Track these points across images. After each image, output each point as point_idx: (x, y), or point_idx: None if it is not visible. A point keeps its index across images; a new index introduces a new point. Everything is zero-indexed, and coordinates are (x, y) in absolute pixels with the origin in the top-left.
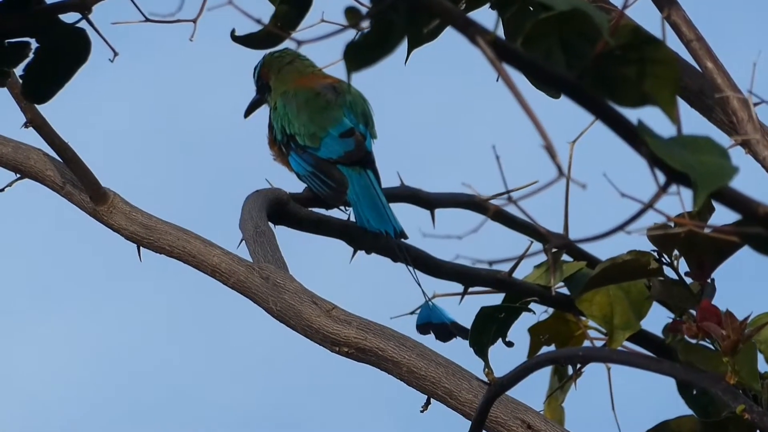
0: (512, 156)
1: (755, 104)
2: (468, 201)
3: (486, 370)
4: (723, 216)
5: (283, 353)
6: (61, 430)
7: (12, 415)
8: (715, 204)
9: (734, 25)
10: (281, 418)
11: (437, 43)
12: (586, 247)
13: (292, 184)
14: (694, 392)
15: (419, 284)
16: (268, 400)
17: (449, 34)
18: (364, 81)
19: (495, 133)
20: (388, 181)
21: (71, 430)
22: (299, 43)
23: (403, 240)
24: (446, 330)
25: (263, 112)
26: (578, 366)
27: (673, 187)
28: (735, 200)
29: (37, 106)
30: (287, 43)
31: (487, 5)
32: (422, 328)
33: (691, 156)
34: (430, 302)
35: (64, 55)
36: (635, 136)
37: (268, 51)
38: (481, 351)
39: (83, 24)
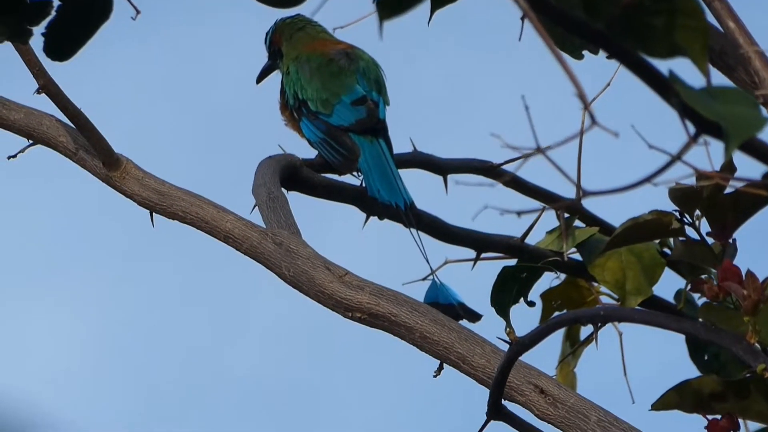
0: (529, 120)
1: None
2: (481, 167)
3: (507, 329)
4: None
5: (296, 319)
6: (73, 397)
7: (24, 382)
8: (737, 164)
9: None
10: (294, 383)
11: (455, 7)
12: (607, 210)
13: (304, 150)
14: (706, 357)
15: (425, 257)
16: (281, 366)
17: None
18: (376, 45)
19: (511, 97)
20: (401, 147)
21: (82, 397)
22: None
23: (413, 210)
24: (453, 311)
25: (276, 77)
26: (598, 326)
27: (702, 140)
28: (764, 151)
29: (49, 72)
30: (311, 5)
31: None
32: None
33: (722, 106)
34: (438, 281)
35: (87, 12)
36: (666, 87)
37: (280, 17)
38: (503, 310)
39: None
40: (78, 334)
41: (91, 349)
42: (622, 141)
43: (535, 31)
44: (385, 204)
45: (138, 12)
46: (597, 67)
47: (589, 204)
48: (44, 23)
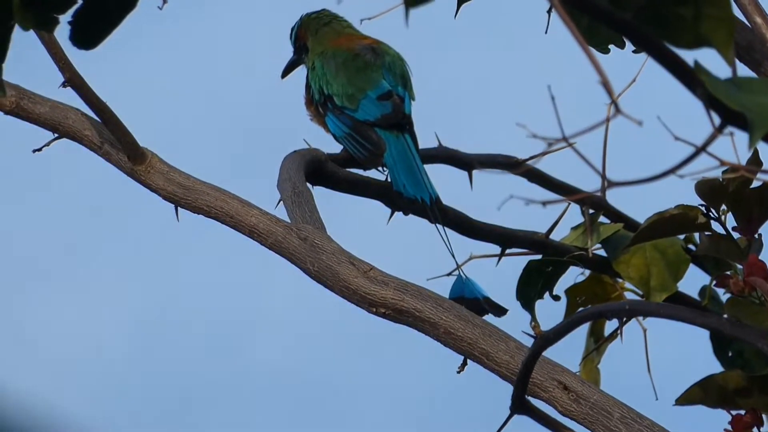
0: (555, 109)
1: None
2: (506, 162)
3: (533, 323)
4: None
5: (321, 314)
6: (100, 384)
7: (49, 374)
8: (764, 157)
9: None
10: (319, 377)
11: (479, 1)
12: (632, 204)
13: (329, 145)
14: (730, 354)
15: (452, 252)
16: (306, 360)
17: None
18: (402, 39)
19: (536, 90)
20: (426, 141)
21: (110, 385)
22: None
23: (439, 205)
24: (479, 305)
25: (301, 72)
26: (623, 320)
27: (727, 131)
28: None
29: (74, 65)
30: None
31: None
32: (455, 301)
33: (747, 96)
34: (463, 275)
35: (113, 1)
36: (692, 77)
37: (305, 11)
38: (528, 304)
39: None
40: (103, 329)
41: (115, 344)
42: (647, 133)
43: (562, 22)
44: (411, 199)
45: (165, 1)
46: (623, 62)
47: (613, 199)
48: (70, 12)
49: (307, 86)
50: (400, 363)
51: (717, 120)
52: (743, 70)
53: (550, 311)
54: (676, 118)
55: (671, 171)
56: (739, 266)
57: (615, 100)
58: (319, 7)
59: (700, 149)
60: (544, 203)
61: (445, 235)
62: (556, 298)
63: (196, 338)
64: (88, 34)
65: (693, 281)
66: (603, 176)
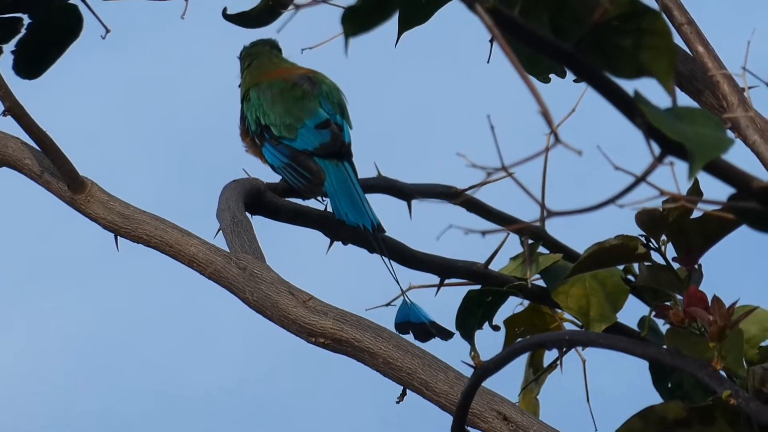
0: (494, 139)
1: (749, 87)
2: (445, 192)
3: (472, 353)
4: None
5: (259, 343)
6: (38, 419)
7: None
8: (704, 187)
9: (726, 10)
10: (259, 408)
11: (419, 30)
12: (572, 234)
13: (268, 174)
14: (669, 385)
15: (396, 278)
16: (246, 391)
17: (437, 18)
18: (339, 68)
19: (476, 119)
20: (365, 171)
21: (49, 419)
22: (297, 7)
23: (380, 233)
24: (425, 329)
25: (237, 102)
26: (563, 350)
27: (668, 160)
28: (728, 173)
29: (15, 93)
30: (281, 23)
31: None
32: (401, 327)
33: (687, 127)
34: (408, 300)
35: (57, 30)
36: (632, 107)
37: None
38: (467, 334)
39: (75, 0)
40: (42, 356)
41: (54, 370)
42: (587, 162)
43: (503, 51)
44: (353, 226)
45: (108, 31)
46: (564, 92)
47: (553, 229)
48: (14, 41)
49: (242, 117)
50: (339, 393)
51: (657, 150)
52: (685, 100)
53: (490, 341)
54: (617, 147)
55: (611, 201)
56: (679, 297)
57: (554, 130)
58: (257, 37)
59: (640, 179)
60: (484, 233)
61: (388, 261)
62: (496, 328)
63: (136, 365)
64: (31, 64)
65: (632, 312)
66: (542, 206)
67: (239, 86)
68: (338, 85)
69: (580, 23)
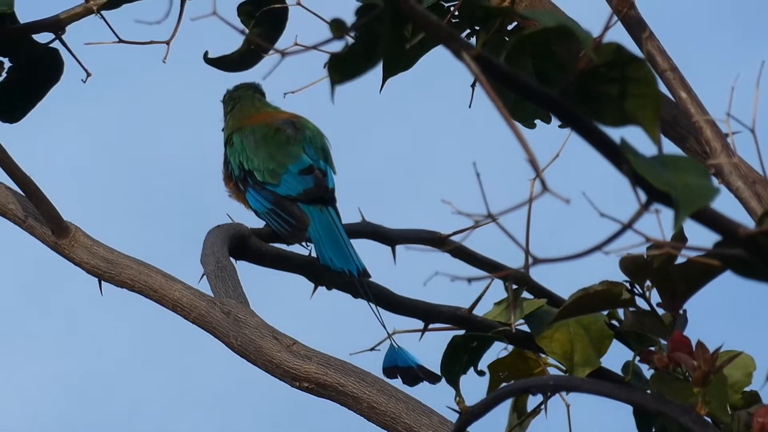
0: (480, 186)
1: (734, 133)
2: (430, 237)
3: (457, 398)
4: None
5: (244, 388)
6: None
7: None
8: (688, 233)
9: (709, 56)
10: None
11: (405, 75)
12: (557, 279)
13: (252, 219)
14: (653, 430)
15: (382, 322)
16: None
17: (420, 65)
18: (323, 113)
19: (461, 165)
20: (349, 216)
21: None
22: (282, 54)
23: (365, 278)
24: (413, 373)
25: (221, 147)
26: (548, 395)
27: (653, 207)
28: (714, 220)
29: None
30: (261, 68)
31: (463, 35)
32: (389, 371)
33: (673, 175)
34: (395, 345)
35: (37, 74)
36: (618, 154)
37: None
38: (453, 379)
39: (56, 44)
40: (28, 403)
41: (39, 415)
42: (573, 209)
43: (489, 99)
44: (338, 271)
45: (89, 74)
46: (549, 137)
47: (537, 275)
48: None
49: (226, 162)
50: None
51: (643, 197)
52: (668, 145)
53: (475, 386)
54: (606, 190)
55: (597, 248)
56: (663, 342)
57: (541, 177)
58: (240, 81)
59: (626, 226)
60: (469, 280)
61: (375, 305)
62: (481, 373)
63: (121, 408)
64: (11, 108)
65: (616, 357)
66: (527, 252)
67: (222, 130)
68: (321, 130)
69: (564, 70)
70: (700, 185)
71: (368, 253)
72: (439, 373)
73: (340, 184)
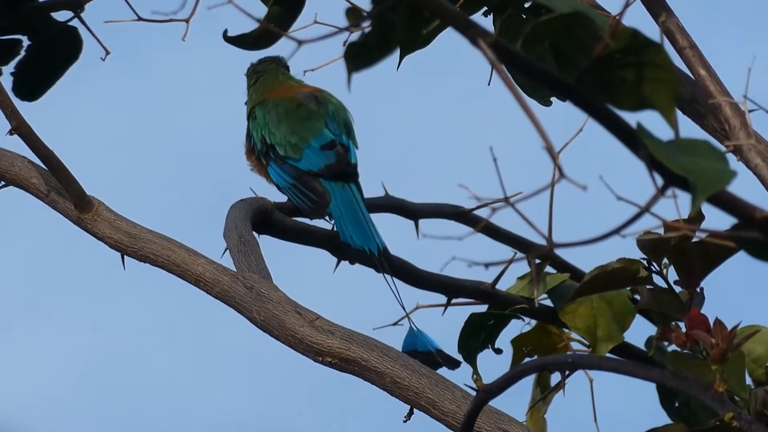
0: (501, 165)
1: (750, 111)
2: (453, 212)
3: (474, 376)
4: (713, 224)
5: (267, 362)
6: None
7: None
8: (706, 211)
9: (728, 33)
10: (265, 426)
11: (424, 52)
12: (576, 257)
13: (275, 193)
14: (677, 404)
15: (401, 302)
16: (253, 409)
17: (439, 41)
18: (346, 87)
19: (482, 143)
20: (373, 190)
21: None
22: (299, 42)
23: (386, 256)
24: (432, 358)
25: (243, 120)
26: (566, 373)
27: (670, 191)
28: (731, 204)
29: (22, 113)
30: (281, 45)
31: (480, 13)
32: (408, 355)
33: (690, 159)
34: (415, 328)
35: (56, 53)
36: (634, 139)
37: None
38: (470, 357)
39: (75, 22)
40: (47, 375)
41: (58, 389)
42: (590, 191)
43: (506, 86)
44: (358, 249)
45: (108, 53)
46: (566, 113)
47: (559, 250)
48: (13, 63)
49: (248, 136)
50: (346, 412)
51: (660, 181)
52: (687, 123)
53: (498, 360)
54: (621, 172)
55: (615, 232)
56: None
57: (558, 165)
58: (265, 54)
59: (643, 210)
60: (487, 265)
61: (393, 285)
62: (498, 351)
63: (143, 384)
64: (31, 86)
65: (640, 331)
66: (549, 239)
67: (245, 103)
68: (344, 105)
69: (582, 49)
70: (717, 169)
71: (391, 227)
72: (455, 356)
73: (363, 158)
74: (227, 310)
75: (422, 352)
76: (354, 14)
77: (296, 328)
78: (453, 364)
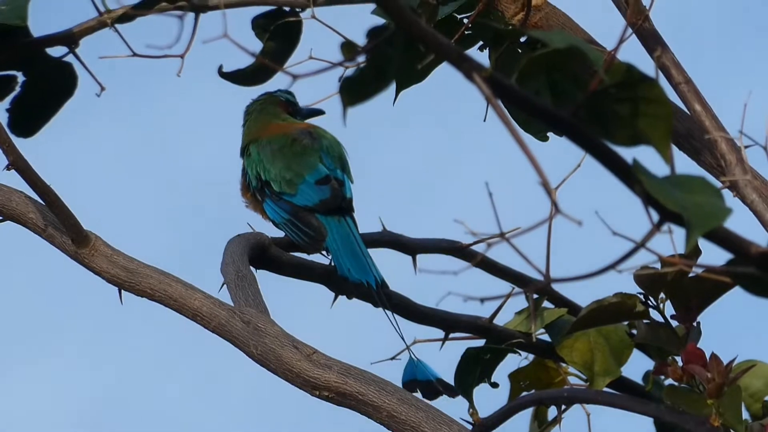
0: (497, 200)
1: (746, 147)
2: (450, 247)
3: (471, 410)
4: (709, 259)
5: (265, 396)
6: None
7: None
8: (703, 246)
9: (723, 68)
10: None
11: (421, 87)
12: (573, 291)
13: (272, 229)
14: None
15: (400, 334)
16: None
17: (434, 76)
18: (340, 122)
19: (479, 177)
20: (370, 226)
21: None
22: (294, 77)
23: (383, 290)
24: (432, 387)
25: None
26: (563, 407)
27: (666, 227)
28: (727, 239)
29: (19, 148)
30: (277, 81)
31: (476, 47)
32: (408, 385)
33: (685, 196)
34: (414, 358)
35: (51, 88)
36: (630, 175)
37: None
38: (466, 391)
39: (70, 58)
40: (47, 412)
41: (56, 424)
42: (587, 226)
43: (501, 121)
44: (356, 283)
45: (103, 88)
46: (562, 148)
47: (557, 285)
48: (9, 99)
49: (243, 173)
50: None
51: (656, 216)
52: (683, 158)
53: (495, 394)
54: (617, 207)
55: (611, 267)
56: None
57: (554, 201)
58: (264, 90)
59: (639, 245)
60: (482, 300)
61: (393, 318)
62: (494, 385)
63: (140, 418)
64: (26, 122)
65: (637, 365)
66: (546, 274)
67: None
68: (339, 140)
69: (577, 83)
70: (712, 205)
71: (389, 262)
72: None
73: (360, 193)
74: (225, 344)
75: (422, 381)
76: (349, 48)
77: (293, 363)
78: (453, 392)
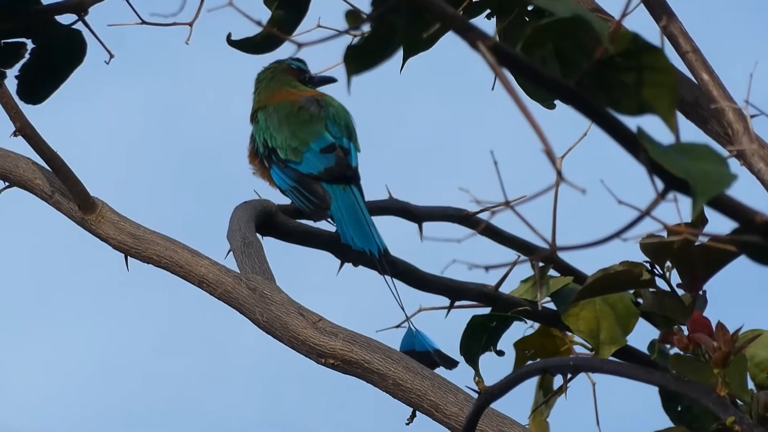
0: (503, 168)
1: (752, 116)
2: (456, 215)
3: (476, 378)
4: (715, 227)
5: (269, 364)
6: None
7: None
8: (709, 215)
9: (731, 37)
10: (268, 427)
11: (428, 54)
12: (578, 260)
13: (278, 196)
14: (679, 408)
15: (401, 304)
16: (255, 411)
17: (442, 44)
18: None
19: (485, 145)
20: (377, 193)
21: None
22: (299, 45)
23: (386, 258)
24: (430, 358)
25: (248, 123)
26: (568, 376)
27: (671, 195)
28: (732, 208)
29: (26, 114)
30: (285, 48)
31: (483, 15)
32: (405, 355)
33: (690, 163)
34: (413, 328)
35: (60, 56)
36: (635, 143)
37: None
38: (472, 359)
39: (79, 25)
40: (51, 377)
41: (63, 389)
42: (592, 195)
43: (506, 91)
44: (359, 251)
45: (112, 56)
46: (570, 116)
47: (562, 253)
48: (18, 66)
49: (252, 139)
50: (348, 414)
51: (661, 185)
52: (690, 127)
53: (500, 362)
54: (622, 175)
55: (616, 235)
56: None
57: (558, 169)
58: (275, 58)
59: (644, 214)
60: (487, 268)
61: (394, 287)
62: (500, 353)
63: (146, 384)
64: (35, 89)
65: (643, 334)
66: (552, 242)
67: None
68: (346, 108)
69: (584, 53)
70: (717, 172)
71: (395, 229)
72: (456, 357)
73: (367, 162)
74: (231, 311)
75: (420, 351)
76: (353, 17)
77: (299, 330)
78: (450, 364)
